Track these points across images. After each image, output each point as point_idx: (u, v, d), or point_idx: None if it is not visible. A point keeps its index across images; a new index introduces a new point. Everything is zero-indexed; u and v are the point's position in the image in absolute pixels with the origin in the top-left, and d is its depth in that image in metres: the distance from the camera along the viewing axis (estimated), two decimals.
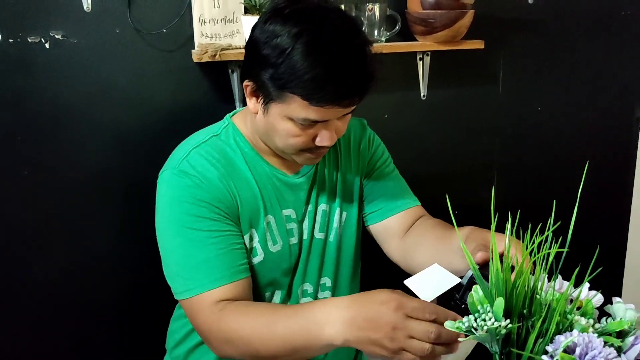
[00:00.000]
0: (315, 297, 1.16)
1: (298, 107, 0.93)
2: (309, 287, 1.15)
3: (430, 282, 0.84)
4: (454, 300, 0.82)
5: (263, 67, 0.93)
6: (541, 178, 1.84)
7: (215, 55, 1.32)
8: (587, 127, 1.86)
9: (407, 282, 0.86)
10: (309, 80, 0.89)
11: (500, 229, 0.78)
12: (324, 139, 0.98)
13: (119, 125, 1.39)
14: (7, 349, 1.41)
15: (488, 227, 0.83)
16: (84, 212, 1.41)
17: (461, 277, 0.85)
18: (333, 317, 0.81)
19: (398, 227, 1.19)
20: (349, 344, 0.81)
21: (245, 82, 1.00)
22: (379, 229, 1.21)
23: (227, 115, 1.13)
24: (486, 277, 0.70)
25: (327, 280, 1.17)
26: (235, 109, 1.38)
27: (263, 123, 1.01)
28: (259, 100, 0.98)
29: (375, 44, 1.45)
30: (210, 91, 1.44)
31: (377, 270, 1.31)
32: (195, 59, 1.34)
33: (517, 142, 1.79)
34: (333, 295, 1.18)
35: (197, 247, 0.98)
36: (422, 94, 1.65)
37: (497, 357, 0.68)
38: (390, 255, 1.21)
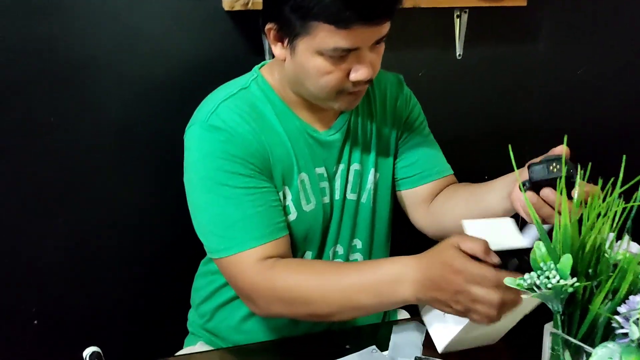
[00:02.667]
0: (347, 259, 1.13)
1: (325, 36, 0.88)
2: (340, 249, 1.12)
3: (490, 234, 0.79)
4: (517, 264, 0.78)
5: (283, 1, 0.89)
6: (576, 144, 1.78)
7: (247, 4, 1.28)
8: (631, 93, 1.79)
9: (466, 223, 0.83)
10: (331, 1, 0.85)
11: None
12: (359, 71, 0.92)
13: (145, 75, 1.35)
14: (31, 302, 1.41)
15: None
16: (109, 164, 1.38)
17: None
18: (405, 277, 0.83)
19: (428, 194, 1.15)
20: (421, 302, 0.85)
21: (268, 26, 0.95)
22: (409, 195, 1.17)
23: (255, 67, 1.08)
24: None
25: (358, 242, 1.13)
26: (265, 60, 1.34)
27: (292, 67, 0.96)
28: (284, 43, 0.94)
29: None
30: (240, 42, 1.39)
31: (408, 233, 1.28)
32: (226, 7, 1.30)
33: (553, 105, 1.73)
34: (365, 257, 1.15)
35: (233, 205, 0.95)
36: (457, 53, 1.59)
37: (558, 316, 0.65)
38: (415, 222, 1.18)
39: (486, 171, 1.71)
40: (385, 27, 0.92)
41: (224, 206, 0.95)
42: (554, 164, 0.78)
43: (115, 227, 1.43)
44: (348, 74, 0.93)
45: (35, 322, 1.39)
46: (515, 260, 0.77)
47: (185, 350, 1.20)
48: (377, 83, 1.14)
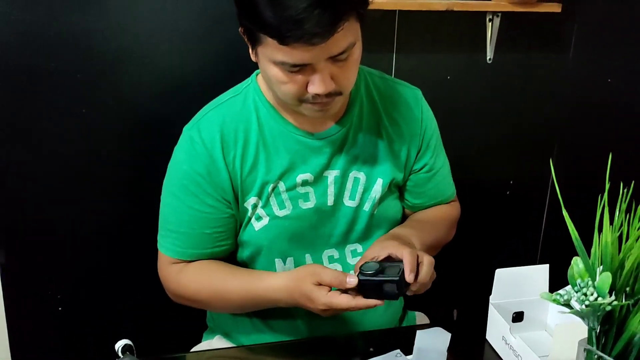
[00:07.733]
0: (345, 263, 1.11)
1: (272, 49, 0.86)
2: (335, 254, 1.10)
3: None
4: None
5: (241, 9, 0.88)
6: (604, 153, 1.75)
7: None
8: None
9: None
10: (269, 17, 0.82)
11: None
12: (314, 85, 0.89)
13: (177, 69, 1.35)
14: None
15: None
16: (137, 154, 1.39)
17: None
18: (277, 290, 0.97)
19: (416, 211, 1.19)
20: (292, 306, 0.99)
21: (240, 29, 0.93)
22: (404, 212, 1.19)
23: (254, 73, 1.07)
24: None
25: (358, 247, 1.11)
26: None
27: (262, 73, 0.96)
28: (251, 48, 0.94)
29: (446, 1, 1.39)
30: None
31: None
32: None
33: (582, 114, 1.71)
34: None
35: (173, 215, 1.04)
36: (488, 57, 1.57)
37: (593, 334, 0.64)
38: None
39: (512, 176, 1.70)
40: (340, 42, 0.86)
41: (168, 211, 1.05)
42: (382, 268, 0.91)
43: (140, 213, 1.42)
44: (307, 85, 0.90)
45: (60, 308, 1.41)
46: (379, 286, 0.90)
47: (202, 345, 1.21)
48: (389, 96, 1.10)
